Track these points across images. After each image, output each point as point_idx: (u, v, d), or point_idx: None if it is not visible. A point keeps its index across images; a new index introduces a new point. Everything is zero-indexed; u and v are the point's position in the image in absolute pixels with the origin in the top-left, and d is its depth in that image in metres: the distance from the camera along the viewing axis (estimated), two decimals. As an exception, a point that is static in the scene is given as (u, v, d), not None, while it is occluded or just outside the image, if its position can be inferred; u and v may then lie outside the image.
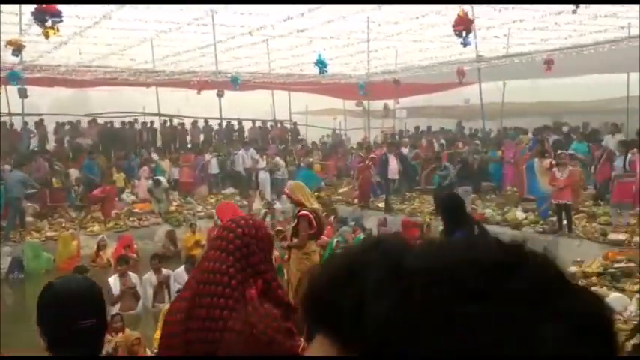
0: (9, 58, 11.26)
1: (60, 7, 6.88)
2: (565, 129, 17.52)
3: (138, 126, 21.37)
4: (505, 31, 13.20)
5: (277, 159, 17.51)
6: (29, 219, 13.65)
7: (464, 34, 8.26)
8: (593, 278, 8.14)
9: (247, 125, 23.60)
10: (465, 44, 8.43)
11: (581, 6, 6.68)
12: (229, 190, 17.77)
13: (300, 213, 6.33)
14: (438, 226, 11.97)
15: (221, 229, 2.44)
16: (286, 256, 6.57)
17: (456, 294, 0.50)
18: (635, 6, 10.08)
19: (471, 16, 8.91)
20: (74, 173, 15.79)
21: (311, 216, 6.30)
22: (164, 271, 9.27)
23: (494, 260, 0.53)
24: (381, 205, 15.16)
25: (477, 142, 17.49)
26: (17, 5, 9.75)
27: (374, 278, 0.55)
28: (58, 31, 6.71)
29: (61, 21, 6.78)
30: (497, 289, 0.50)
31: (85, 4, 8.94)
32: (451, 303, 0.49)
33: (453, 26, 8.27)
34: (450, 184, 13.41)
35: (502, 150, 16.06)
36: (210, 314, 2.19)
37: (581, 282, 7.94)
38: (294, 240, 6.36)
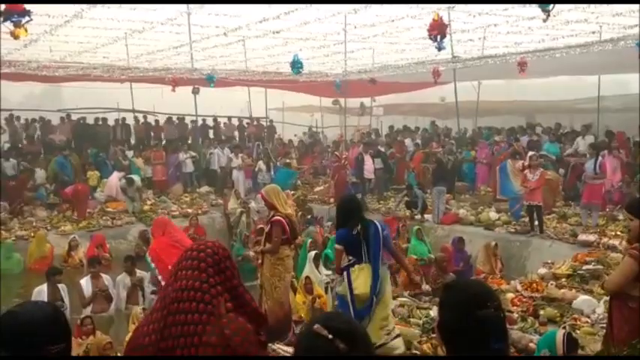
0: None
1: (30, 6, 6.73)
2: (538, 129, 17.80)
3: (111, 122, 21.04)
4: (480, 35, 13.33)
5: (260, 163, 17.36)
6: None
7: (438, 38, 8.31)
8: (563, 280, 8.29)
9: (224, 122, 23.43)
10: (439, 48, 8.48)
11: (554, 12, 6.77)
12: (204, 189, 17.65)
13: (273, 218, 6.31)
14: (414, 225, 12.14)
15: (189, 250, 2.45)
16: (259, 261, 6.55)
17: None
18: (606, 11, 10.30)
19: (446, 20, 8.97)
20: (41, 172, 15.52)
21: (284, 221, 6.28)
22: (138, 272, 9.16)
23: None
24: (357, 204, 15.23)
25: (452, 141, 17.66)
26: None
27: None
28: (26, 31, 6.56)
29: (30, 20, 6.63)
30: None
31: (56, 3, 8.76)
32: None
33: (428, 30, 8.32)
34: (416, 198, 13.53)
35: (476, 150, 16.27)
36: (185, 331, 2.21)
37: (552, 284, 8.10)
38: (268, 245, 6.34)
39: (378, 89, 20.56)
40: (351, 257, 5.54)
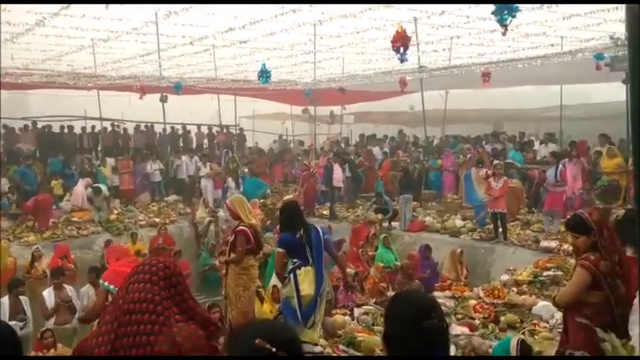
0: None
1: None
2: (503, 137, 18.17)
3: (78, 130, 20.70)
4: (445, 46, 13.61)
5: (229, 180, 17.22)
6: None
7: (402, 49, 8.45)
8: (524, 286, 8.46)
9: (193, 130, 23.26)
10: (402, 60, 8.63)
11: (513, 25, 6.98)
12: (172, 197, 17.49)
13: (238, 228, 6.35)
14: (381, 232, 12.24)
15: (140, 265, 2.49)
16: (224, 272, 6.55)
17: None
18: (563, 26, 10.64)
19: (410, 32, 9.13)
20: (4, 181, 15.16)
21: (248, 231, 6.33)
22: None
23: None
24: (326, 212, 15.32)
25: (419, 150, 17.89)
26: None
27: None
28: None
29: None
30: None
31: (35, 3, 8.57)
32: None
33: (392, 42, 8.45)
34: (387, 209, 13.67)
35: (442, 158, 16.51)
36: (137, 342, 2.24)
37: (513, 290, 8.27)
38: (232, 255, 6.35)
39: (348, 98, 20.75)
40: (296, 260, 5.79)
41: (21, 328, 7.64)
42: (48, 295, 8.67)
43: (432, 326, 1.84)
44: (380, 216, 13.70)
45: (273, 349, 1.64)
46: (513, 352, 4.12)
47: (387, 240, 11.40)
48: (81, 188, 15.17)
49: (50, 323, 8.20)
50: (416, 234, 12.94)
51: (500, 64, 14.30)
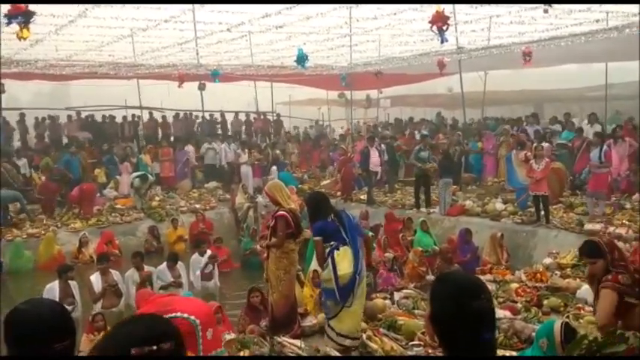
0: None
1: (34, 6, 6.81)
2: (546, 119, 17.74)
3: (119, 119, 21.20)
4: (483, 25, 13.28)
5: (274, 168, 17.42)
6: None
7: (441, 30, 8.30)
8: (568, 270, 8.30)
9: (230, 117, 23.52)
10: (442, 40, 8.48)
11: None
12: (212, 184, 17.75)
13: (277, 213, 6.40)
14: (420, 216, 12.16)
15: None
16: (265, 256, 6.63)
17: None
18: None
19: (449, 12, 8.95)
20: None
21: (288, 216, 6.36)
22: (146, 268, 9.25)
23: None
24: (364, 197, 15.28)
25: (459, 132, 17.62)
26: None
27: None
28: (29, 31, 6.65)
29: (33, 21, 6.72)
30: None
31: (60, 3, 8.85)
32: None
33: (430, 23, 8.31)
34: (422, 175, 13.47)
35: (482, 141, 16.23)
36: None
37: (556, 274, 8.12)
38: (273, 239, 6.42)
39: (384, 81, 20.55)
40: (333, 242, 5.80)
41: (70, 312, 7.90)
42: (95, 279, 8.95)
43: (482, 307, 1.83)
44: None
45: (154, 347, 1.58)
46: (557, 335, 4.07)
47: (426, 224, 11.32)
48: (125, 176, 15.57)
49: (98, 307, 8.45)
50: (455, 218, 12.78)
51: (542, 43, 13.89)
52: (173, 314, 5.49)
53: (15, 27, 6.74)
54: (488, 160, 15.84)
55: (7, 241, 12.34)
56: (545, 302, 6.86)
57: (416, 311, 6.92)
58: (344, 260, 5.72)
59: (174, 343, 1.64)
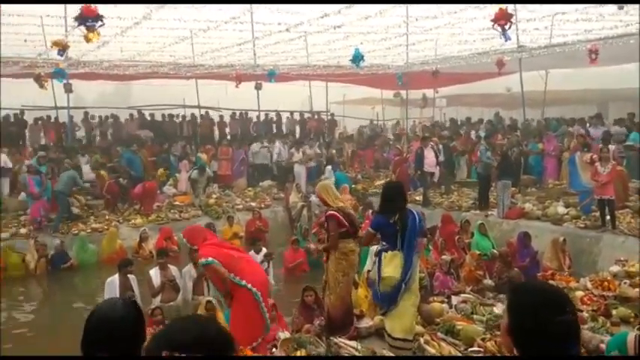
0: (55, 55, 11.67)
1: (101, 8, 7.06)
2: (610, 120, 17.00)
3: (178, 119, 21.75)
4: (546, 23, 12.84)
5: (308, 150, 17.52)
6: (75, 210, 14.08)
7: (504, 28, 8.08)
8: (637, 279, 7.91)
9: (285, 117, 23.72)
10: (505, 39, 8.25)
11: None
12: (267, 183, 17.94)
13: (327, 214, 6.35)
14: (477, 219, 11.90)
15: None
16: (324, 258, 6.54)
17: None
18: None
19: (511, 10, 8.71)
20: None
21: (338, 214, 6.27)
22: (203, 264, 9.40)
23: None
24: (419, 198, 15.06)
25: (517, 133, 17.12)
26: (62, 7, 10.16)
27: None
28: (99, 35, 6.89)
29: (102, 25, 6.96)
30: None
31: (127, 3, 9.16)
32: None
33: (493, 20, 8.09)
34: (487, 175, 13.18)
35: (543, 142, 15.70)
36: None
37: (625, 282, 7.75)
38: (328, 242, 6.39)
39: (441, 81, 20.23)
40: (384, 243, 5.77)
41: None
42: (154, 274, 9.20)
43: (568, 321, 1.74)
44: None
45: (184, 355, 1.65)
46: (631, 348, 3.89)
47: (484, 227, 11.04)
48: (184, 174, 15.96)
49: (156, 301, 8.67)
50: (514, 221, 12.42)
51: (610, 41, 13.30)
52: (238, 280, 5.64)
53: (83, 29, 7.04)
54: (549, 162, 15.30)
55: (73, 235, 12.87)
56: (614, 312, 6.56)
57: (475, 316, 6.76)
58: (390, 264, 5.66)
59: (222, 348, 1.70)
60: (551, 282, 8.19)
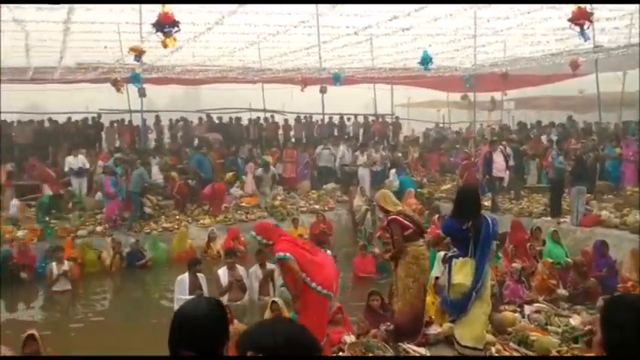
0: (131, 60, 12.18)
1: (176, 14, 7.29)
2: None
3: (244, 122, 22.19)
4: (626, 22, 12.21)
5: (373, 154, 17.43)
6: (147, 210, 14.60)
7: (583, 27, 7.74)
8: None
9: (349, 120, 23.72)
10: (585, 38, 7.91)
11: None
12: (330, 185, 17.97)
13: (389, 218, 6.28)
14: (548, 226, 11.46)
15: None
16: (393, 265, 6.41)
17: None
18: None
19: (590, 9, 8.34)
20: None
21: (399, 218, 6.20)
22: (269, 265, 9.52)
23: None
24: (487, 203, 14.63)
25: (593, 137, 16.36)
26: (137, 15, 10.61)
27: None
28: (175, 40, 7.13)
29: (178, 30, 7.19)
30: None
31: (204, 3, 9.40)
32: None
33: (572, 20, 7.78)
34: (560, 180, 12.67)
35: (621, 146, 14.94)
36: None
37: None
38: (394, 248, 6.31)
39: (510, 83, 19.68)
40: (455, 249, 5.66)
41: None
42: (222, 273, 9.42)
43: None
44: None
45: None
46: None
47: (557, 234, 10.62)
48: (250, 176, 16.27)
49: (224, 300, 8.84)
50: (589, 229, 11.87)
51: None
52: (309, 281, 5.62)
53: (160, 36, 7.29)
54: (627, 168, 14.53)
55: (146, 234, 13.37)
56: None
57: (550, 327, 6.50)
58: (460, 272, 5.54)
59: (309, 350, 1.75)
60: (631, 294, 7.78)
